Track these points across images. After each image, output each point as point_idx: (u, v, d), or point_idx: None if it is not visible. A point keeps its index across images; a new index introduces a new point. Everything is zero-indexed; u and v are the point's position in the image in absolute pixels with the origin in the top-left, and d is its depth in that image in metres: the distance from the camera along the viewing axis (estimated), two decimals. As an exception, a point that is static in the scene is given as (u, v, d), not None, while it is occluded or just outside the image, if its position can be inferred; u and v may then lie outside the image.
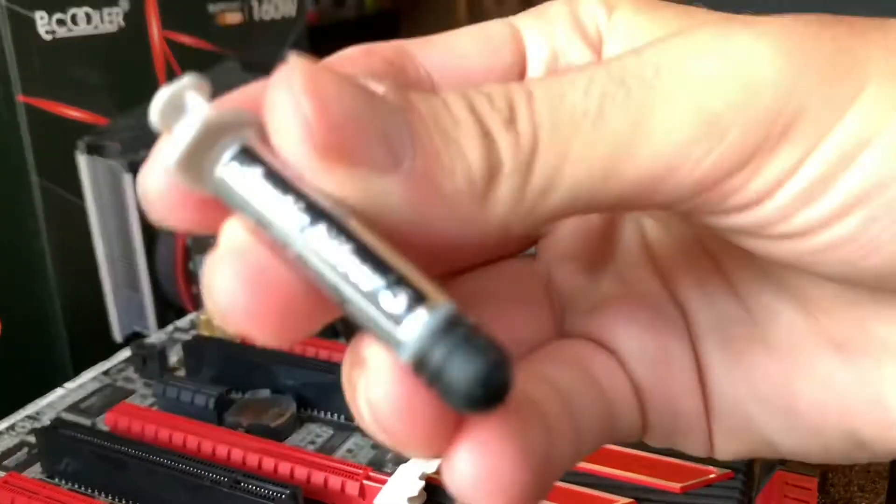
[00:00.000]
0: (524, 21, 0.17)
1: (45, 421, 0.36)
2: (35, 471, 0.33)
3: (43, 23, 0.41)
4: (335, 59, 0.15)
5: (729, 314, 0.17)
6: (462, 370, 0.11)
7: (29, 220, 0.42)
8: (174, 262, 0.48)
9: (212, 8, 0.49)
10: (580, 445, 0.15)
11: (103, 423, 0.35)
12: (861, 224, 0.13)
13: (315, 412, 0.36)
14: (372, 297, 0.12)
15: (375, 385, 0.12)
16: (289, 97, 0.12)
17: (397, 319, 0.12)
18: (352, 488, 0.29)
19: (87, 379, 0.39)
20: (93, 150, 0.44)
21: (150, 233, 0.46)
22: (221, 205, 0.13)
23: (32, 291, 0.43)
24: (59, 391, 0.38)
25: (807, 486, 0.30)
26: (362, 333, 0.13)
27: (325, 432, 0.35)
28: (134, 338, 0.46)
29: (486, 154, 0.13)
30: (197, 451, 0.32)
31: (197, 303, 0.49)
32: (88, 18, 0.43)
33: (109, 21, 0.44)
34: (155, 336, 0.43)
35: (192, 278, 0.48)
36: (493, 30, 0.17)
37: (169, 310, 0.48)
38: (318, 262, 0.12)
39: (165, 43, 0.46)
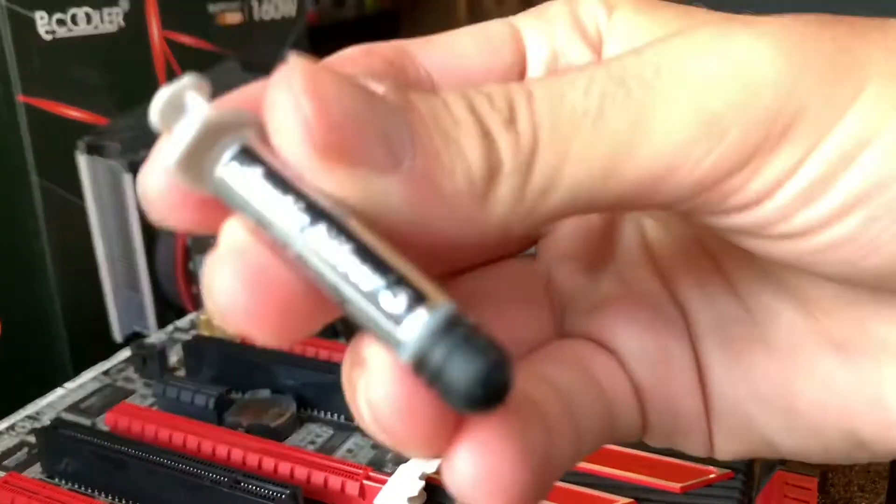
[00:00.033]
0: (524, 21, 0.17)
1: (45, 421, 0.36)
2: (35, 471, 0.33)
3: (43, 23, 0.41)
4: (335, 59, 0.15)
5: (729, 314, 0.17)
6: (462, 370, 0.11)
7: (29, 220, 0.42)
8: (174, 262, 0.48)
9: (212, 8, 0.49)
10: (580, 445, 0.15)
11: (103, 423, 0.35)
12: (861, 224, 0.13)
13: (315, 412, 0.36)
14: (372, 297, 0.12)
15: (375, 385, 0.12)
16: (289, 97, 0.12)
17: (397, 319, 0.12)
18: (352, 488, 0.29)
19: (87, 379, 0.39)
20: (93, 150, 0.44)
21: (150, 233, 0.46)
22: (221, 205, 0.13)
23: (32, 291, 0.43)
24: (59, 391, 0.38)
25: (807, 487, 0.30)
26: (362, 333, 0.13)
27: (325, 432, 0.34)
28: (134, 338, 0.46)
29: (486, 154, 0.13)
30: (197, 451, 0.32)
31: (197, 303, 0.49)
32: (88, 18, 0.43)
33: (109, 21, 0.44)
34: (155, 336, 0.43)
35: (192, 278, 0.48)
36: (492, 30, 0.17)
37: (169, 310, 0.48)
38: (318, 262, 0.12)
39: (165, 43, 0.46)
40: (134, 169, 0.45)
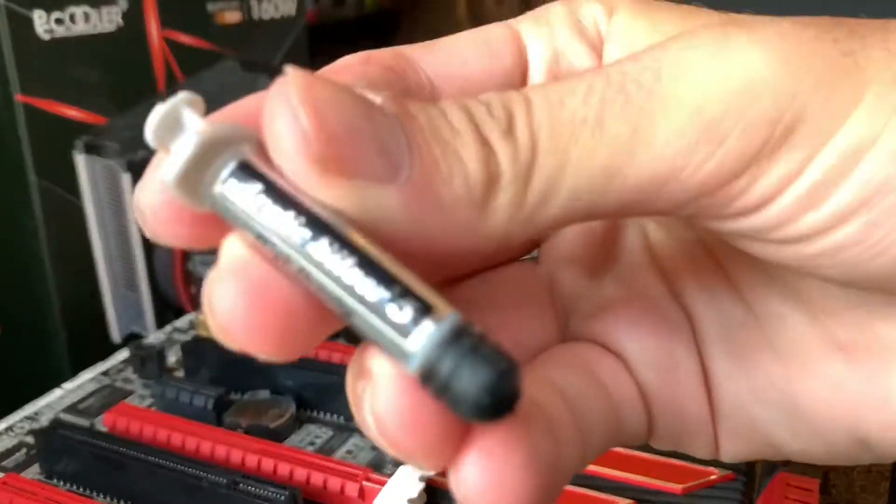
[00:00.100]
0: (524, 24, 0.17)
1: (44, 422, 0.35)
2: (33, 471, 0.32)
3: (41, 22, 0.41)
4: (334, 66, 0.15)
5: (733, 317, 0.17)
6: (471, 380, 0.11)
7: (27, 219, 0.42)
8: (173, 263, 0.48)
9: (211, 7, 0.49)
10: (587, 449, 0.15)
11: (102, 423, 0.35)
12: (864, 228, 0.13)
13: (314, 413, 0.36)
14: (378, 310, 0.12)
15: (381, 397, 0.12)
16: (286, 109, 0.12)
17: (404, 331, 0.12)
18: (351, 489, 0.29)
19: (86, 379, 0.39)
20: (91, 149, 0.44)
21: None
22: (219, 220, 0.13)
23: (30, 291, 0.43)
24: (57, 392, 0.38)
25: (808, 488, 0.30)
26: (366, 345, 0.13)
27: (325, 433, 0.34)
28: (132, 338, 0.46)
29: (484, 163, 0.13)
30: (196, 452, 0.32)
31: (195, 303, 0.49)
32: (87, 18, 0.42)
33: (108, 20, 0.43)
34: (153, 336, 0.43)
35: (190, 279, 0.48)
36: (493, 33, 0.17)
37: (167, 310, 0.48)
38: (321, 276, 0.12)
39: (164, 42, 0.46)
40: (132, 168, 0.44)
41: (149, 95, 0.46)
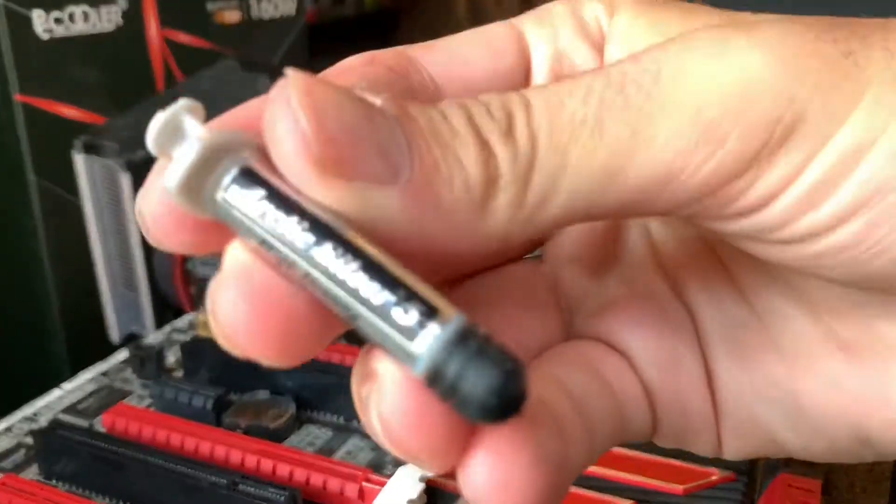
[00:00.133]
0: (526, 22, 0.17)
1: (43, 422, 0.35)
2: (32, 472, 0.32)
3: (40, 21, 0.40)
4: (337, 68, 0.15)
5: (736, 315, 0.17)
6: (478, 382, 0.11)
7: (26, 219, 0.42)
8: (172, 263, 0.48)
9: (210, 6, 0.49)
10: (593, 447, 0.15)
11: (100, 424, 0.35)
12: (863, 228, 0.13)
13: (314, 413, 0.36)
14: (383, 314, 0.12)
15: (387, 400, 0.12)
16: (286, 111, 0.12)
17: (410, 334, 0.12)
18: (351, 490, 0.29)
19: (85, 380, 0.39)
20: (90, 149, 0.43)
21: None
22: (221, 226, 0.13)
23: (29, 291, 0.43)
24: (56, 392, 0.38)
25: (810, 489, 0.30)
26: (370, 347, 0.13)
27: (325, 434, 0.34)
28: (131, 338, 0.46)
29: (484, 164, 0.13)
30: (195, 452, 0.31)
31: (195, 303, 0.48)
32: (86, 17, 0.42)
33: (107, 20, 0.43)
34: (153, 336, 0.43)
35: (189, 279, 0.48)
36: (495, 32, 0.17)
37: (167, 310, 0.48)
38: (326, 280, 0.12)
39: (164, 42, 0.46)
40: (131, 168, 0.44)
41: (148, 95, 0.45)
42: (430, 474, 0.29)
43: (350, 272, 0.12)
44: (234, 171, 0.12)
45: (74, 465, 0.31)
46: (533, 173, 0.13)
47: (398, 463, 0.31)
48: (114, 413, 0.34)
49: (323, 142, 0.12)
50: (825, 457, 0.17)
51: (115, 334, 0.46)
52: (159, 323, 0.47)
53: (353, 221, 0.12)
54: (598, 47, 0.17)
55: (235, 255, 0.13)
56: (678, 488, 0.29)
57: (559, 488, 0.14)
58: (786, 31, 0.13)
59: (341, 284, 0.12)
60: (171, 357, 0.40)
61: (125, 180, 0.45)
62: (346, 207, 0.12)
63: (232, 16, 0.50)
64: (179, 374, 0.39)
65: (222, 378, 0.37)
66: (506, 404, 0.11)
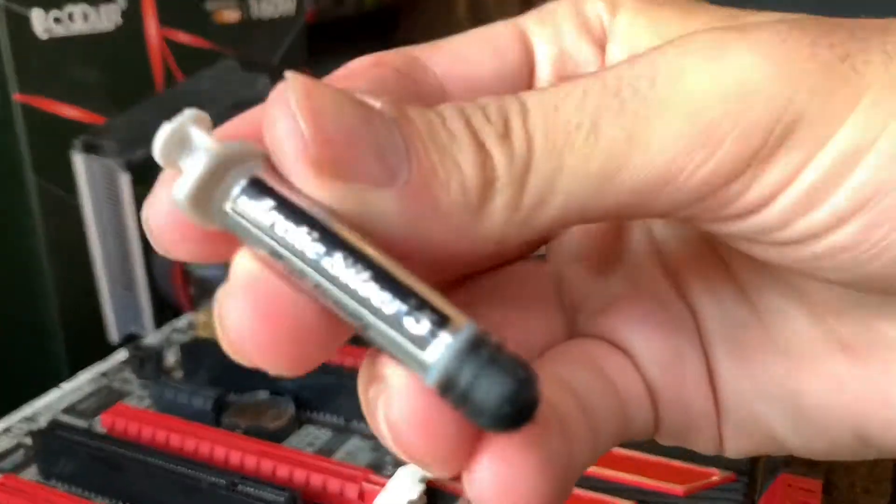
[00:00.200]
0: (530, 22, 0.17)
1: (42, 422, 0.35)
2: (31, 473, 0.32)
3: (40, 21, 0.40)
4: (344, 70, 0.15)
5: (737, 314, 0.17)
6: (490, 390, 0.11)
7: (25, 218, 0.42)
8: (171, 263, 0.48)
9: (209, 6, 0.49)
10: (597, 446, 0.15)
11: (100, 424, 0.35)
12: (861, 230, 0.13)
13: (314, 414, 0.35)
14: (395, 323, 0.12)
15: (395, 406, 0.12)
16: (285, 113, 0.12)
17: (421, 343, 0.12)
18: (351, 491, 0.29)
19: (84, 380, 0.39)
20: (89, 148, 0.43)
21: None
22: (230, 236, 0.13)
23: (28, 291, 0.43)
24: (55, 392, 0.38)
25: (811, 489, 0.30)
26: (377, 352, 0.13)
27: (324, 434, 0.34)
28: (131, 338, 0.46)
29: (480, 167, 0.13)
30: (194, 453, 0.31)
31: (194, 303, 0.48)
32: (85, 17, 0.42)
33: (107, 19, 0.43)
34: (152, 337, 0.43)
35: (189, 279, 0.48)
36: (499, 32, 0.17)
37: (166, 310, 0.48)
38: (337, 290, 0.12)
39: (163, 41, 0.46)
40: (131, 168, 0.44)
41: (148, 95, 0.45)
42: (430, 475, 0.29)
43: (361, 282, 0.12)
44: (242, 182, 0.12)
45: (73, 466, 0.31)
46: (529, 176, 0.13)
47: (398, 463, 0.31)
48: (113, 413, 0.34)
49: (320, 143, 0.12)
50: (825, 455, 0.17)
51: (114, 334, 0.46)
52: (158, 323, 0.47)
53: (351, 222, 0.12)
54: (601, 45, 0.17)
55: (243, 264, 0.13)
56: (678, 489, 0.29)
57: (564, 489, 0.14)
58: (783, 35, 0.13)
59: (352, 294, 0.12)
60: (171, 357, 0.40)
61: (125, 180, 0.44)
62: (344, 208, 0.12)
63: (231, 15, 0.50)
64: (179, 374, 0.39)
65: (222, 378, 0.37)
66: (518, 412, 0.11)
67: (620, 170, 0.13)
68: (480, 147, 0.13)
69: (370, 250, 0.12)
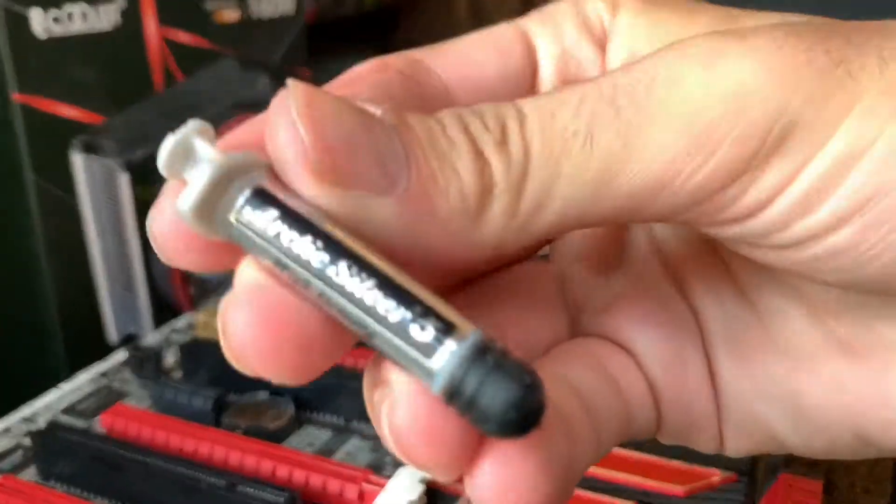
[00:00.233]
0: (532, 23, 0.17)
1: (41, 423, 0.35)
2: (30, 473, 0.32)
3: (39, 20, 0.40)
4: (348, 74, 0.16)
5: (737, 315, 0.17)
6: (496, 397, 0.11)
7: (24, 218, 0.42)
8: (171, 262, 0.48)
9: (209, 5, 0.49)
10: (600, 446, 0.15)
11: (99, 425, 0.34)
12: (858, 234, 0.13)
13: (313, 414, 0.35)
14: (400, 331, 0.12)
15: (400, 412, 0.12)
16: (287, 121, 0.12)
17: (427, 350, 0.12)
18: (351, 491, 0.29)
19: (83, 380, 0.39)
20: (89, 148, 0.43)
21: (146, 232, 0.46)
22: (233, 246, 0.13)
23: (27, 291, 0.43)
24: (54, 393, 0.38)
25: (811, 490, 0.30)
26: (382, 356, 0.13)
27: (324, 435, 0.34)
28: (130, 339, 0.46)
29: (479, 173, 0.13)
30: (194, 453, 0.31)
31: (193, 303, 0.48)
32: (85, 16, 0.42)
33: (106, 19, 0.43)
34: (151, 337, 0.43)
35: (188, 279, 0.48)
36: (502, 34, 0.17)
37: (165, 310, 0.48)
38: (342, 299, 0.12)
39: (162, 41, 0.46)
40: (130, 168, 0.44)
41: (147, 94, 0.45)
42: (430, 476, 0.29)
43: (366, 290, 0.12)
44: (246, 192, 0.12)
45: (73, 467, 0.31)
46: (526, 182, 0.13)
47: (398, 464, 0.31)
48: (112, 414, 0.34)
49: (321, 151, 0.12)
50: (825, 454, 0.17)
51: (113, 334, 0.46)
52: (158, 323, 0.47)
53: (352, 228, 0.12)
54: (601, 45, 0.17)
55: (247, 273, 0.13)
56: (679, 489, 0.29)
57: (566, 489, 0.14)
58: (780, 41, 0.13)
59: (357, 303, 0.12)
60: (170, 357, 0.40)
61: (124, 180, 0.44)
62: (345, 215, 0.12)
63: (231, 15, 0.50)
64: (178, 374, 0.39)
65: (221, 379, 0.36)
66: (524, 418, 0.12)
67: (617, 176, 0.13)
68: (479, 154, 0.13)
69: (374, 258, 0.12)
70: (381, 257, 0.12)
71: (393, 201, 0.13)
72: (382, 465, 0.32)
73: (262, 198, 0.12)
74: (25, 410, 0.36)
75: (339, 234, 0.12)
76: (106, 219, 0.45)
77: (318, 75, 0.58)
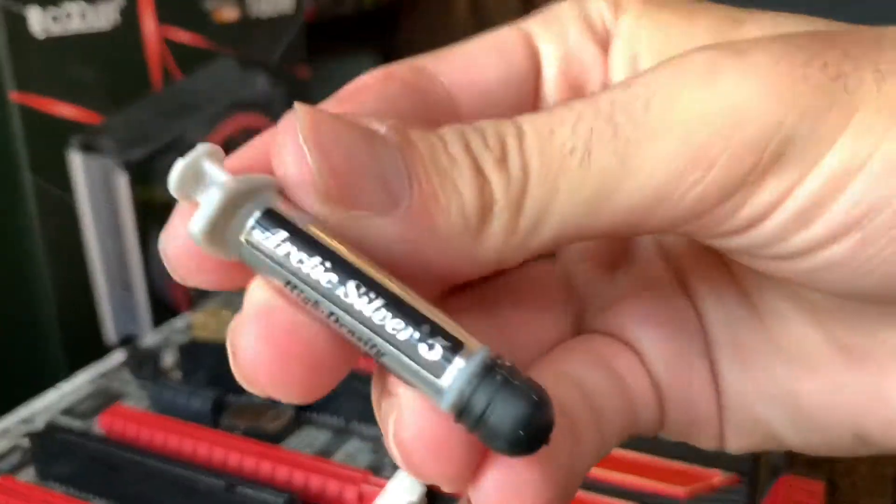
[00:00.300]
0: (535, 25, 0.17)
1: (39, 424, 0.35)
2: (29, 474, 0.32)
3: (37, 19, 0.40)
4: (353, 85, 0.16)
5: (739, 315, 0.17)
6: (505, 414, 0.12)
7: (22, 217, 0.42)
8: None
9: (208, 4, 0.48)
10: (603, 446, 0.16)
11: (97, 426, 0.34)
12: (855, 247, 0.13)
13: (313, 415, 0.35)
14: (409, 350, 0.12)
15: (407, 427, 0.13)
16: (294, 146, 0.13)
17: (435, 369, 0.12)
18: (350, 493, 0.29)
19: (82, 381, 0.39)
20: (87, 147, 0.43)
21: (145, 232, 0.46)
22: (244, 265, 0.13)
23: (25, 291, 0.42)
24: (52, 393, 0.38)
25: (813, 490, 0.29)
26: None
27: (324, 436, 0.34)
28: (129, 339, 0.46)
29: (479, 191, 0.13)
30: (192, 454, 0.31)
31: (192, 304, 0.48)
32: (83, 15, 0.42)
33: (105, 17, 0.43)
34: (150, 337, 0.43)
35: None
36: (505, 38, 0.17)
37: (164, 311, 0.47)
38: (350, 319, 0.12)
39: (161, 39, 0.46)
40: (129, 167, 0.44)
41: (145, 93, 0.45)
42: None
43: (374, 310, 0.12)
44: (256, 214, 0.13)
45: (71, 468, 0.31)
46: (525, 201, 0.13)
47: (397, 465, 0.31)
48: (111, 415, 0.34)
49: (327, 175, 0.13)
50: (824, 451, 0.17)
51: (111, 335, 0.46)
52: (156, 323, 0.47)
53: (357, 245, 0.13)
54: (604, 46, 0.17)
55: (257, 294, 0.13)
56: (680, 490, 0.29)
57: (570, 492, 0.14)
58: (776, 56, 0.13)
59: (366, 322, 0.12)
60: (169, 358, 0.40)
61: (122, 179, 0.44)
62: (349, 232, 0.13)
63: (230, 14, 0.50)
64: (177, 375, 0.39)
65: (220, 379, 0.36)
66: (533, 437, 0.12)
67: (614, 192, 0.13)
68: (479, 172, 0.13)
69: (382, 278, 0.12)
70: (390, 276, 0.13)
71: (394, 220, 0.13)
72: (382, 466, 0.32)
73: (271, 219, 0.13)
74: (24, 411, 0.36)
75: (347, 254, 0.13)
76: (104, 218, 0.45)
77: (318, 74, 0.58)
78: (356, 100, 0.15)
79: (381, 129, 0.13)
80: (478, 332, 0.13)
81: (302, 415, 0.35)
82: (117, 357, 0.40)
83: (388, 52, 0.75)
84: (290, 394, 0.13)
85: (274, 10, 0.53)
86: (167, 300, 0.48)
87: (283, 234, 0.13)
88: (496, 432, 0.12)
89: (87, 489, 0.31)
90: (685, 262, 0.18)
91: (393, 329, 0.12)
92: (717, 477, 0.29)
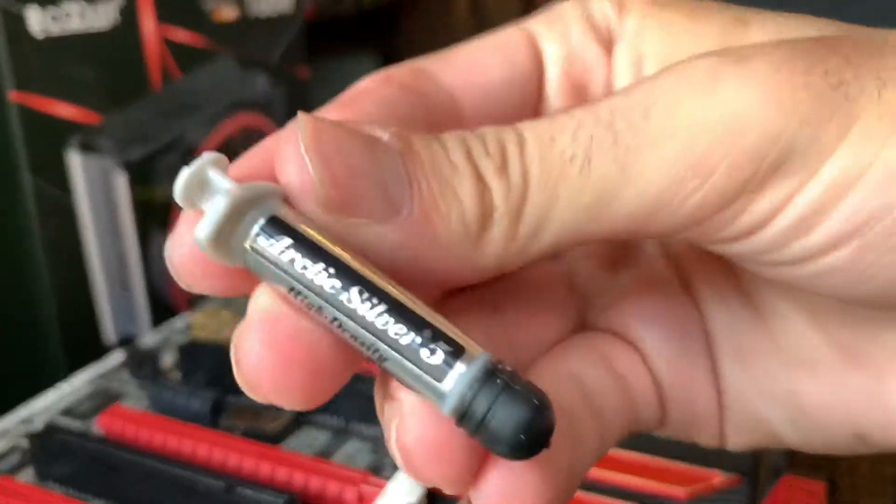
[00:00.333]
0: (538, 25, 0.17)
1: (38, 424, 0.35)
2: (28, 475, 0.32)
3: (36, 19, 0.40)
4: (354, 90, 0.16)
5: (740, 315, 0.17)
6: (506, 420, 0.12)
7: (21, 218, 0.41)
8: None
9: (207, 3, 0.48)
10: (603, 445, 0.16)
11: (97, 426, 0.34)
12: (854, 255, 0.13)
13: (313, 415, 0.35)
14: (411, 355, 0.12)
15: (409, 432, 0.13)
16: (296, 156, 0.13)
17: (437, 373, 0.12)
18: (350, 494, 0.29)
19: (81, 382, 0.38)
20: (86, 147, 0.43)
21: (144, 232, 0.46)
22: (249, 272, 0.13)
23: (24, 291, 0.42)
24: (51, 394, 0.37)
25: (814, 491, 0.29)
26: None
27: (323, 436, 0.34)
28: (128, 339, 0.46)
29: (479, 198, 0.13)
30: (191, 455, 0.31)
31: (191, 304, 0.48)
32: (82, 14, 0.42)
33: (104, 17, 0.43)
34: (149, 338, 0.43)
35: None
36: (507, 38, 0.17)
37: (163, 311, 0.47)
38: (353, 324, 0.12)
39: (160, 39, 0.46)
40: (128, 167, 0.44)
41: (145, 93, 0.45)
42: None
43: (376, 315, 0.12)
44: (261, 221, 0.13)
45: (70, 468, 0.31)
46: (524, 208, 0.13)
47: (397, 466, 0.31)
48: (110, 415, 0.34)
49: (328, 183, 0.13)
50: (824, 450, 0.17)
51: (110, 335, 0.46)
52: (156, 324, 0.47)
53: (359, 250, 0.13)
54: (608, 46, 0.17)
55: (262, 301, 0.13)
56: (681, 491, 0.29)
57: (570, 492, 0.14)
58: (777, 63, 0.13)
59: (369, 327, 0.12)
60: (168, 358, 0.40)
61: (121, 179, 0.44)
62: (350, 238, 0.13)
63: (229, 13, 0.50)
64: (176, 375, 0.39)
65: (220, 379, 0.36)
66: (534, 440, 0.12)
67: (614, 199, 0.13)
68: (480, 179, 0.13)
69: (385, 283, 0.13)
70: (392, 282, 0.13)
71: (396, 227, 0.13)
72: (382, 466, 0.32)
73: (276, 226, 0.13)
74: (23, 412, 0.36)
75: (350, 261, 0.13)
76: (104, 218, 0.45)
77: (317, 74, 0.58)
78: (357, 105, 0.15)
79: (384, 136, 0.13)
80: (480, 331, 0.13)
81: (301, 415, 0.35)
82: (116, 357, 0.40)
83: (388, 52, 0.75)
84: (292, 400, 0.13)
85: (273, 10, 0.53)
86: (166, 300, 0.48)
87: (288, 240, 0.13)
88: (497, 436, 0.12)
89: (87, 490, 0.31)
90: (688, 262, 0.18)
91: (395, 334, 0.12)
92: (718, 477, 0.29)
